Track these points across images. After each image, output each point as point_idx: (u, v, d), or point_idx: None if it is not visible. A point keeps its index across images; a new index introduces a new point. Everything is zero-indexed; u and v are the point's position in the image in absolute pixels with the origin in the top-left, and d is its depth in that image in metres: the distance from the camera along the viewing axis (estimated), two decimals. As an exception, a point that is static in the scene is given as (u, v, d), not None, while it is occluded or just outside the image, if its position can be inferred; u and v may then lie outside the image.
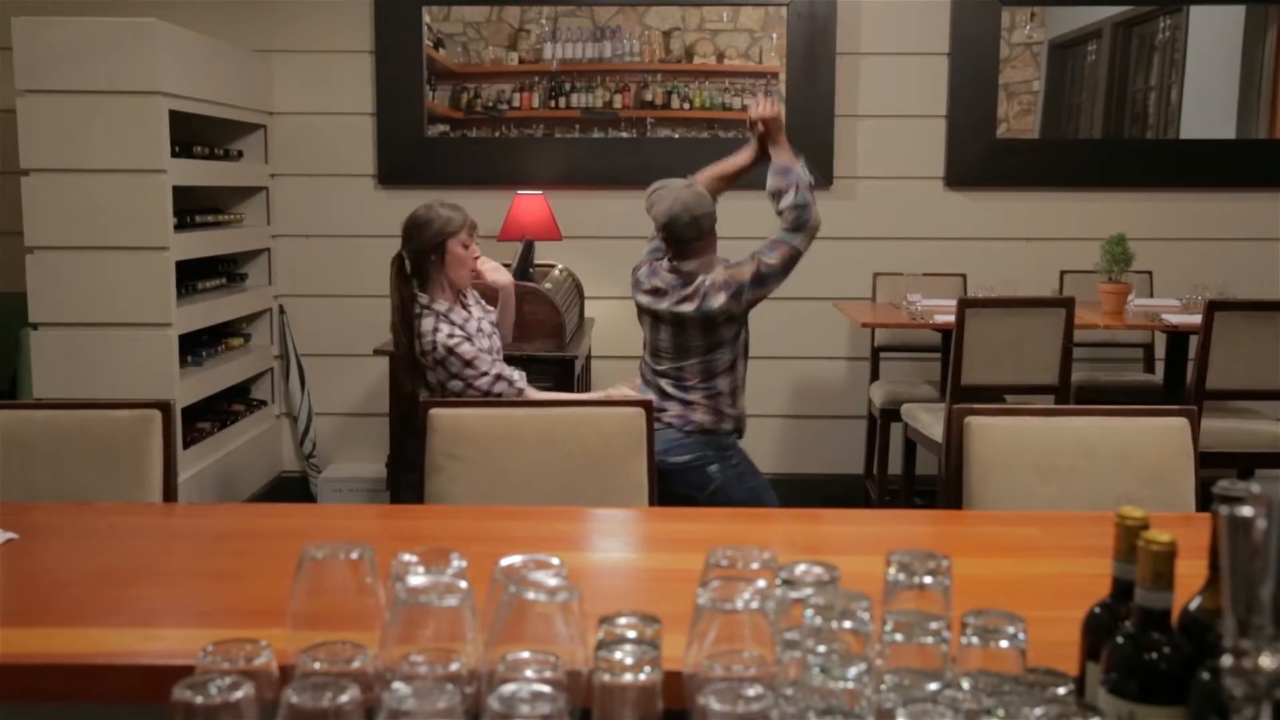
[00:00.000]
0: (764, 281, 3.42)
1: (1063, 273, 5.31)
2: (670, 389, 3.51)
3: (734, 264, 3.46)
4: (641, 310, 3.59)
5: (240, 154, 5.26)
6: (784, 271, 3.45)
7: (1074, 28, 5.54)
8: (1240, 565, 0.86)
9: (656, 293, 3.50)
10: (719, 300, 3.40)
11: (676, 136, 5.47)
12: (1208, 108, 5.49)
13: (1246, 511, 0.86)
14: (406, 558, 1.23)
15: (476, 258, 3.43)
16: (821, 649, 1.02)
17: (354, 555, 1.21)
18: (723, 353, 3.49)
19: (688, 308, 3.42)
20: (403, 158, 5.45)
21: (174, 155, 4.42)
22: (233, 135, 5.24)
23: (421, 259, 3.36)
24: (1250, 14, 5.46)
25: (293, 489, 5.49)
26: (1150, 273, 5.23)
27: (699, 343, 3.47)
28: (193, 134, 4.78)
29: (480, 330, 3.44)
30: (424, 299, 3.37)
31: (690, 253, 3.48)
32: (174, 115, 4.40)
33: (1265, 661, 0.85)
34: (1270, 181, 5.41)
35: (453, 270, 3.37)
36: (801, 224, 3.43)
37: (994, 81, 5.41)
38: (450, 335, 3.30)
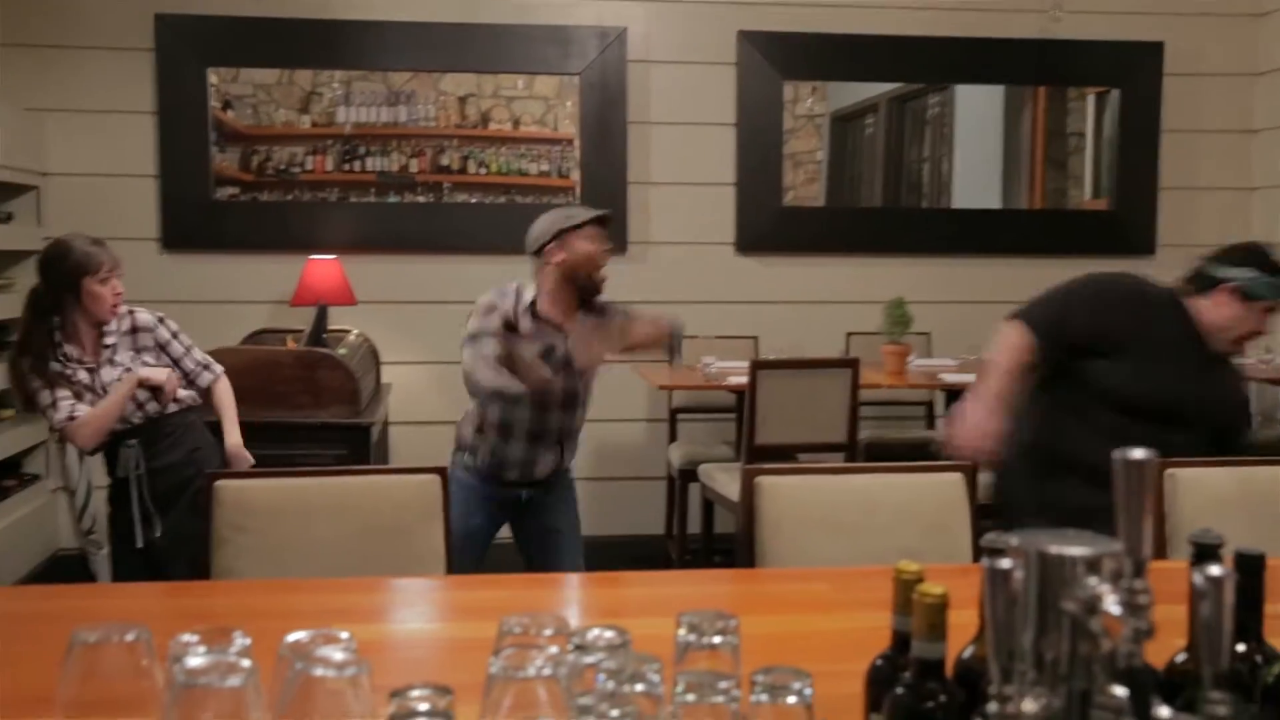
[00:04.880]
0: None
1: (849, 334, 5.53)
2: None
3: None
4: None
5: (10, 216, 5.00)
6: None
7: (853, 101, 5.82)
8: (1001, 615, 0.91)
9: None
10: None
11: (474, 201, 5.47)
12: (975, 179, 5.84)
13: (1005, 563, 0.91)
14: (186, 638, 1.18)
15: (118, 292, 3.38)
16: (615, 713, 1.03)
17: (129, 637, 1.15)
18: None
19: None
20: (188, 221, 5.29)
21: (-63, 217, 4.18)
22: (2, 196, 4.98)
23: (59, 295, 3.35)
24: (1009, 94, 5.84)
25: (71, 568, 5.18)
26: (929, 333, 5.49)
27: None
28: (-42, 195, 4.53)
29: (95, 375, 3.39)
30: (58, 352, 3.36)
31: None
32: (-63, 175, 4.17)
33: (1027, 706, 0.90)
34: (1033, 248, 5.77)
35: (91, 304, 3.34)
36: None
37: (779, 151, 5.63)
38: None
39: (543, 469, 3.35)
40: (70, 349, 3.36)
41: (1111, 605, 0.89)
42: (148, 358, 3.42)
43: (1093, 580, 0.90)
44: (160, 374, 3.38)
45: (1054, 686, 0.91)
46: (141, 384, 3.35)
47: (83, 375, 3.36)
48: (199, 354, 3.54)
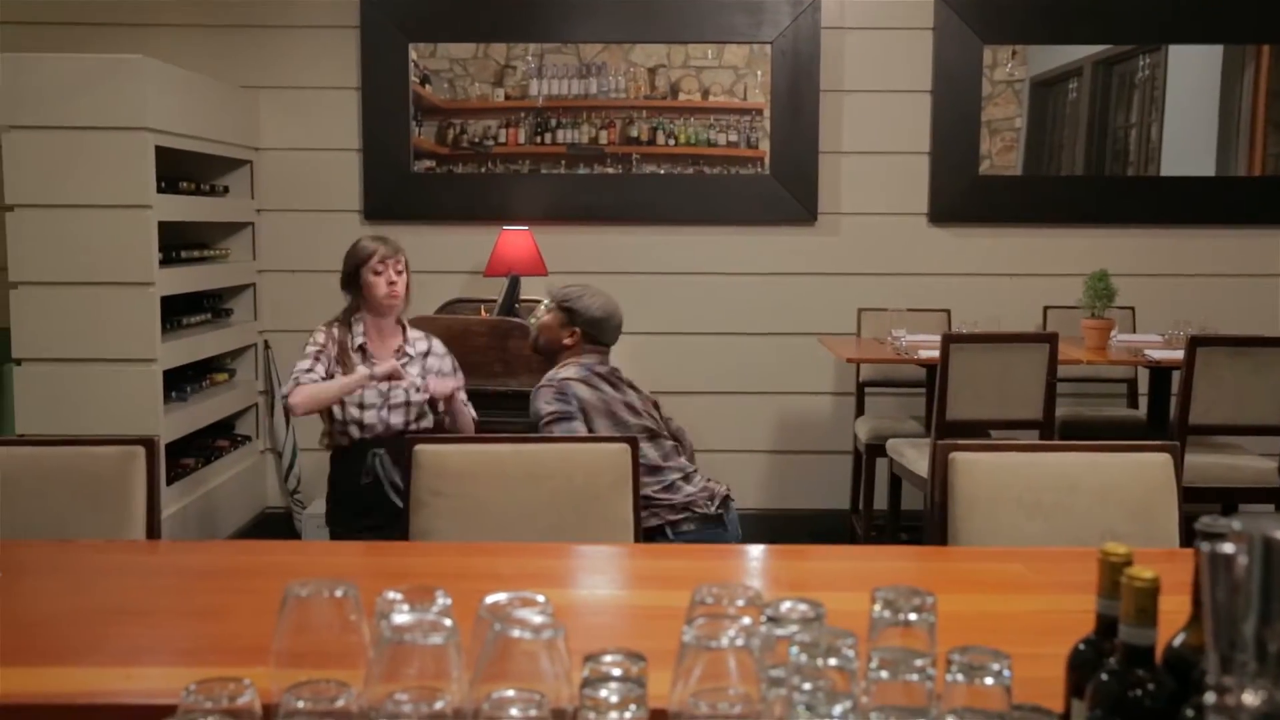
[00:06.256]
0: None
1: (1046, 308, 5.34)
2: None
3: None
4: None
5: (226, 189, 5.26)
6: None
7: (1055, 65, 5.60)
8: (1222, 602, 0.87)
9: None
10: None
11: (662, 172, 5.49)
12: (1187, 145, 5.54)
13: (1228, 548, 0.86)
14: (391, 595, 1.22)
15: (392, 282, 3.61)
16: (807, 686, 1.02)
17: (338, 593, 1.20)
18: None
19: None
20: (389, 193, 5.46)
21: (160, 191, 4.43)
22: (219, 171, 5.25)
23: (348, 286, 3.67)
24: (1228, 54, 5.52)
25: (277, 525, 5.46)
26: (1133, 308, 5.26)
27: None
28: (179, 169, 4.79)
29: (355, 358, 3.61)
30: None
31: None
32: (160, 151, 4.41)
33: (1248, 698, 0.85)
34: (1249, 218, 5.46)
35: (368, 293, 3.61)
36: None
37: (976, 118, 5.46)
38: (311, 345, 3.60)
39: None
40: (368, 344, 3.62)
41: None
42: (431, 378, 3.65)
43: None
44: (388, 365, 3.57)
45: (1278, 680, 0.86)
46: (373, 379, 3.54)
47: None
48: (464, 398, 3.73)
